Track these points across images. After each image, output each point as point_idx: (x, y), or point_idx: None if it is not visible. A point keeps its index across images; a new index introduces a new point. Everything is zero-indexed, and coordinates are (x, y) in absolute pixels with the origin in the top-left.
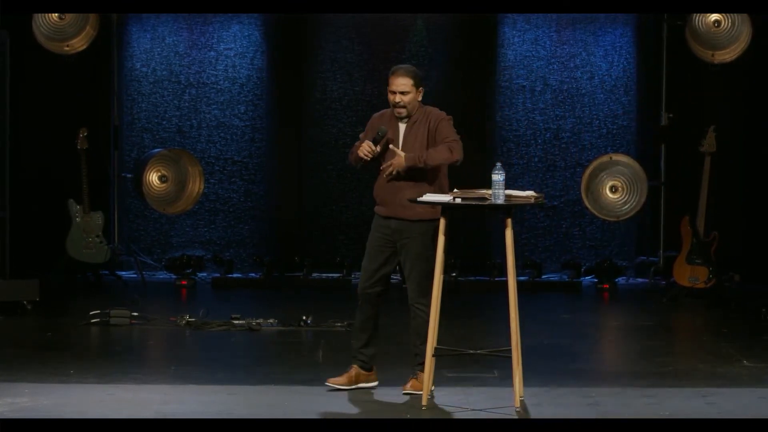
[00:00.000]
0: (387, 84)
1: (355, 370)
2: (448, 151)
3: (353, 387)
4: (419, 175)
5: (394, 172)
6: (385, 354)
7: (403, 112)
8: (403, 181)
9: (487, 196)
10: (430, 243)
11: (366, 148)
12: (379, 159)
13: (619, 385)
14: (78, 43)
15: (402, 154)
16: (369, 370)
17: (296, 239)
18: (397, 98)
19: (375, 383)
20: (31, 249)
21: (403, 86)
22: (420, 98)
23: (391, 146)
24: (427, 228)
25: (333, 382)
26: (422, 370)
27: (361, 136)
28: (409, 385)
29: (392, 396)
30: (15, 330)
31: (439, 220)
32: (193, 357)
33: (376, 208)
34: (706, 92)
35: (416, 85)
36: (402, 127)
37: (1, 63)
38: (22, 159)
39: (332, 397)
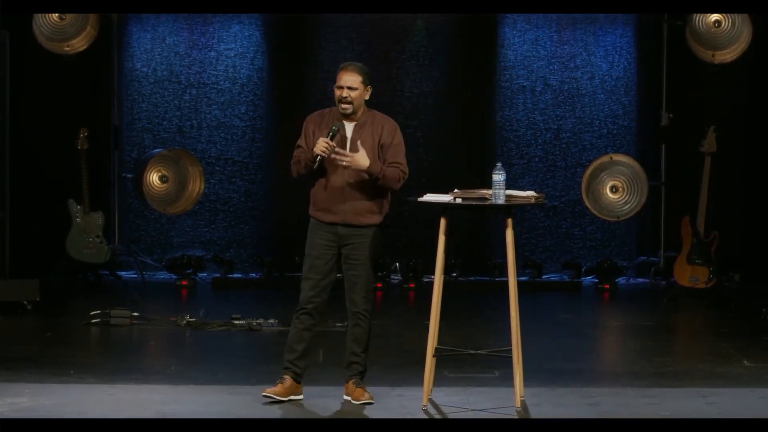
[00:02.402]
0: (334, 80)
1: (289, 381)
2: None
3: (287, 399)
4: (369, 185)
5: (347, 166)
6: (385, 355)
7: (349, 108)
8: (353, 189)
9: (487, 196)
10: (379, 248)
11: (323, 145)
12: (322, 164)
13: (619, 385)
14: (78, 43)
15: (364, 154)
16: (299, 382)
17: (296, 239)
18: (344, 93)
19: (301, 396)
20: (31, 249)
21: (351, 82)
22: (367, 97)
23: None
24: (376, 232)
25: (269, 392)
26: (361, 378)
27: (299, 142)
28: (346, 391)
29: (391, 396)
30: (15, 330)
31: (380, 224)
32: (193, 357)
33: (318, 214)
34: (706, 92)
35: (365, 83)
36: (348, 127)
37: (1, 63)
38: (22, 159)
39: (332, 397)
